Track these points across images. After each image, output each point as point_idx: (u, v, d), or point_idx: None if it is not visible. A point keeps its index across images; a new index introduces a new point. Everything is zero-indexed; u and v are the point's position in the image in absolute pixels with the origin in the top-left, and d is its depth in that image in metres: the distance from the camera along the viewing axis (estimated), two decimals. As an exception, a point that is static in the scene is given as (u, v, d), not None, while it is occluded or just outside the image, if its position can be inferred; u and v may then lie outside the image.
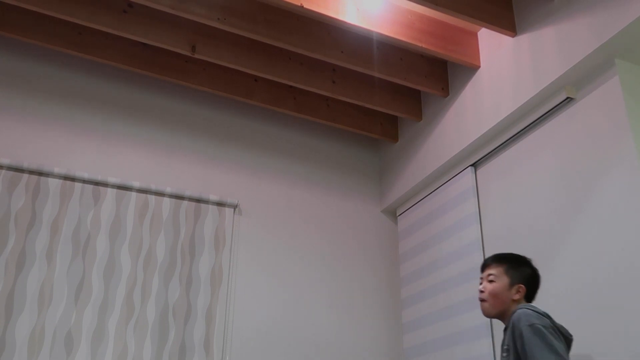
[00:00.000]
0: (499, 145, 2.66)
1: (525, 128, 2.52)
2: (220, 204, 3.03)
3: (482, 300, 1.96)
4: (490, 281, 1.95)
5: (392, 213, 3.51)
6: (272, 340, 2.91)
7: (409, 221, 3.30)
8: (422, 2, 2.39)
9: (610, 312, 1.97)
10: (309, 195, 3.34)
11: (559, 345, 1.70)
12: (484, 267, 2.01)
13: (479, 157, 2.78)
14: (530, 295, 1.95)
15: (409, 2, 2.55)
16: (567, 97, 2.31)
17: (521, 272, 1.95)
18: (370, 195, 3.52)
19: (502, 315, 1.93)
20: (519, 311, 1.79)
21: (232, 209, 3.06)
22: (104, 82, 3.10)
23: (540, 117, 2.44)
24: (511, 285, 1.92)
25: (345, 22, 2.57)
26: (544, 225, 2.35)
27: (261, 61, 2.90)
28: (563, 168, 2.31)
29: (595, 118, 2.20)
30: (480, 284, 1.99)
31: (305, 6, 2.46)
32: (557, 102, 2.35)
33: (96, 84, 3.07)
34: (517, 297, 1.91)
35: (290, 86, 3.23)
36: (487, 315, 1.95)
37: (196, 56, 2.78)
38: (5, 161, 2.66)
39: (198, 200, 2.99)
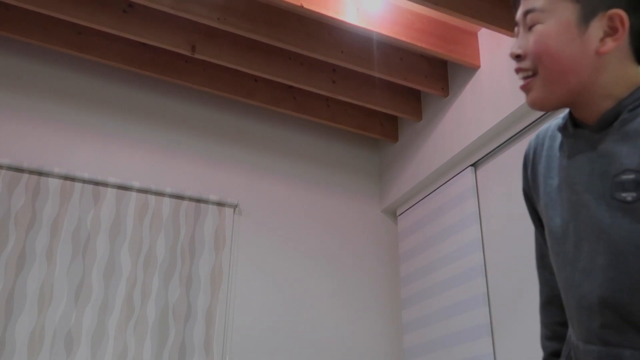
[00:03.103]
0: (499, 145, 2.66)
1: (525, 128, 2.52)
2: (220, 204, 3.03)
3: (523, 76, 0.91)
4: (532, 26, 0.89)
5: (392, 213, 3.51)
6: (272, 340, 2.91)
7: (409, 221, 3.30)
8: (422, 2, 2.39)
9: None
10: (308, 195, 3.34)
11: None
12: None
13: (479, 157, 2.78)
14: None
15: (409, 2, 2.55)
16: (567, 97, 2.30)
17: None
18: (370, 195, 3.52)
19: (575, 101, 0.89)
20: None
21: (232, 209, 3.06)
22: (104, 82, 3.10)
23: (540, 117, 2.44)
24: (585, 19, 0.85)
25: (345, 22, 2.57)
26: (544, 225, 2.35)
27: (261, 61, 2.90)
28: (563, 168, 2.30)
29: (595, 118, 2.19)
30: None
31: (305, 6, 2.46)
32: (557, 102, 2.34)
33: (96, 84, 3.07)
34: (608, 46, 0.84)
35: (290, 86, 3.23)
36: (542, 103, 0.89)
37: (196, 56, 2.78)
38: (5, 161, 2.66)
39: (198, 200, 2.99)
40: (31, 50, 2.99)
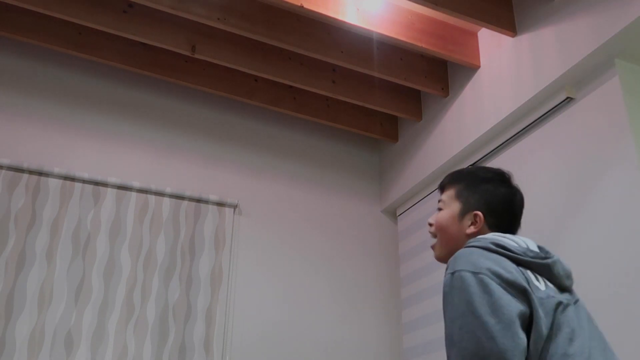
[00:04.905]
0: (499, 145, 2.66)
1: (525, 128, 2.52)
2: (220, 204, 3.03)
3: (432, 236, 1.43)
4: (439, 209, 1.42)
5: (392, 213, 3.51)
6: (272, 340, 2.91)
7: (409, 221, 3.30)
8: (422, 2, 2.39)
9: (610, 312, 1.97)
10: (309, 195, 3.34)
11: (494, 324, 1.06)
12: (440, 190, 1.47)
13: (479, 157, 2.78)
14: (503, 225, 1.35)
15: (409, 2, 2.55)
16: (567, 97, 2.31)
17: (480, 193, 1.36)
18: (370, 195, 3.52)
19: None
20: (459, 251, 1.22)
21: (232, 209, 3.06)
22: (104, 82, 3.10)
23: (540, 117, 2.44)
24: (463, 213, 1.36)
25: (345, 22, 2.57)
26: (543, 226, 2.35)
27: (261, 61, 2.90)
28: (563, 168, 2.31)
29: (595, 118, 2.20)
30: None
31: (305, 6, 2.46)
32: (557, 102, 2.35)
33: (96, 84, 3.07)
34: (471, 230, 1.34)
35: (290, 86, 3.23)
36: (438, 259, 1.41)
37: (196, 56, 2.78)
38: (5, 161, 2.66)
39: (198, 200, 2.99)
40: (31, 50, 2.99)
